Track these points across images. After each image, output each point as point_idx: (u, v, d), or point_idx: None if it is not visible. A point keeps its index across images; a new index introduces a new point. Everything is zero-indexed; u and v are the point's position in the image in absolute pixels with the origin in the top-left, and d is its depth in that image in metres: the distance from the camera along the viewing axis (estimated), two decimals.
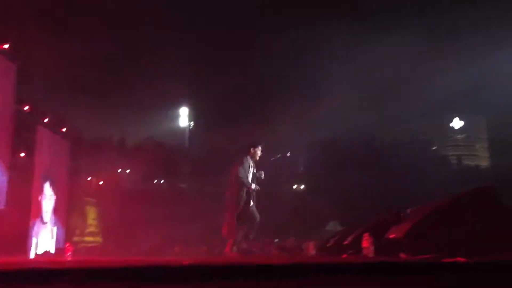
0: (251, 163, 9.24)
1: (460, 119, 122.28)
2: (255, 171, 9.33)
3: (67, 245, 15.47)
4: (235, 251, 8.71)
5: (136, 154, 42.85)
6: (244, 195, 8.99)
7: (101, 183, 31.32)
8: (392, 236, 5.04)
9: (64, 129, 20.33)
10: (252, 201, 9.10)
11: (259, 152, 9.29)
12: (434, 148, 71.84)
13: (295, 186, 54.77)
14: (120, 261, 4.87)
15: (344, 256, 6.20)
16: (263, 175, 9.45)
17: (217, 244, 18.89)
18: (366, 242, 5.31)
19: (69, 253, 13.75)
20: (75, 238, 23.71)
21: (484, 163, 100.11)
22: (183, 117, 47.35)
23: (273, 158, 54.77)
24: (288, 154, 53.37)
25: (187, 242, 24.50)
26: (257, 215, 9.10)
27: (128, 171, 46.51)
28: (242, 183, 8.93)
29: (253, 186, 9.14)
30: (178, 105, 47.37)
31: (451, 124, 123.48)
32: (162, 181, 46.94)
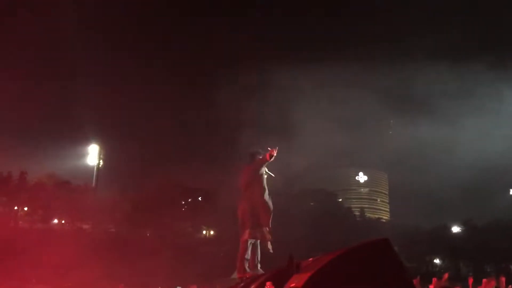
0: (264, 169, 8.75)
1: (364, 174, 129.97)
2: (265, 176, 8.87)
3: None
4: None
5: (37, 191, 40.30)
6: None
7: None
8: (292, 285, 5.18)
9: None
10: None
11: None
12: (339, 200, 74.98)
13: (204, 232, 54.03)
14: None
15: None
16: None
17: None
18: None
19: None
20: None
21: (385, 216, 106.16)
22: (92, 155, 45.38)
23: (183, 202, 54.04)
24: (200, 198, 52.79)
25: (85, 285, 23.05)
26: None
27: (26, 208, 43.42)
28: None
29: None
30: (87, 142, 45.37)
31: (356, 178, 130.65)
32: (63, 221, 44.28)
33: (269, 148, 8.58)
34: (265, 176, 8.76)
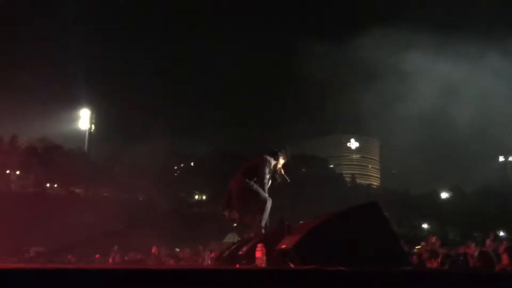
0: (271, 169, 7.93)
1: (356, 140, 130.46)
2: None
3: None
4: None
5: (29, 154, 40.19)
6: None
7: None
8: (283, 246, 5.26)
9: None
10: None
11: (282, 161, 7.99)
12: (331, 166, 75.55)
13: (197, 197, 54.51)
14: None
15: (237, 266, 6.33)
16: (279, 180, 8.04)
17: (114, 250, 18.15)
18: (259, 253, 5.47)
19: None
20: None
21: (375, 182, 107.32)
22: (84, 120, 45.16)
23: (176, 167, 54.34)
24: (192, 163, 53.04)
25: (78, 249, 23.29)
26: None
27: (18, 172, 43.36)
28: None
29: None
30: (78, 106, 45.06)
31: (348, 144, 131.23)
32: (56, 185, 44.37)
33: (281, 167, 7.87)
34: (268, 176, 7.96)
